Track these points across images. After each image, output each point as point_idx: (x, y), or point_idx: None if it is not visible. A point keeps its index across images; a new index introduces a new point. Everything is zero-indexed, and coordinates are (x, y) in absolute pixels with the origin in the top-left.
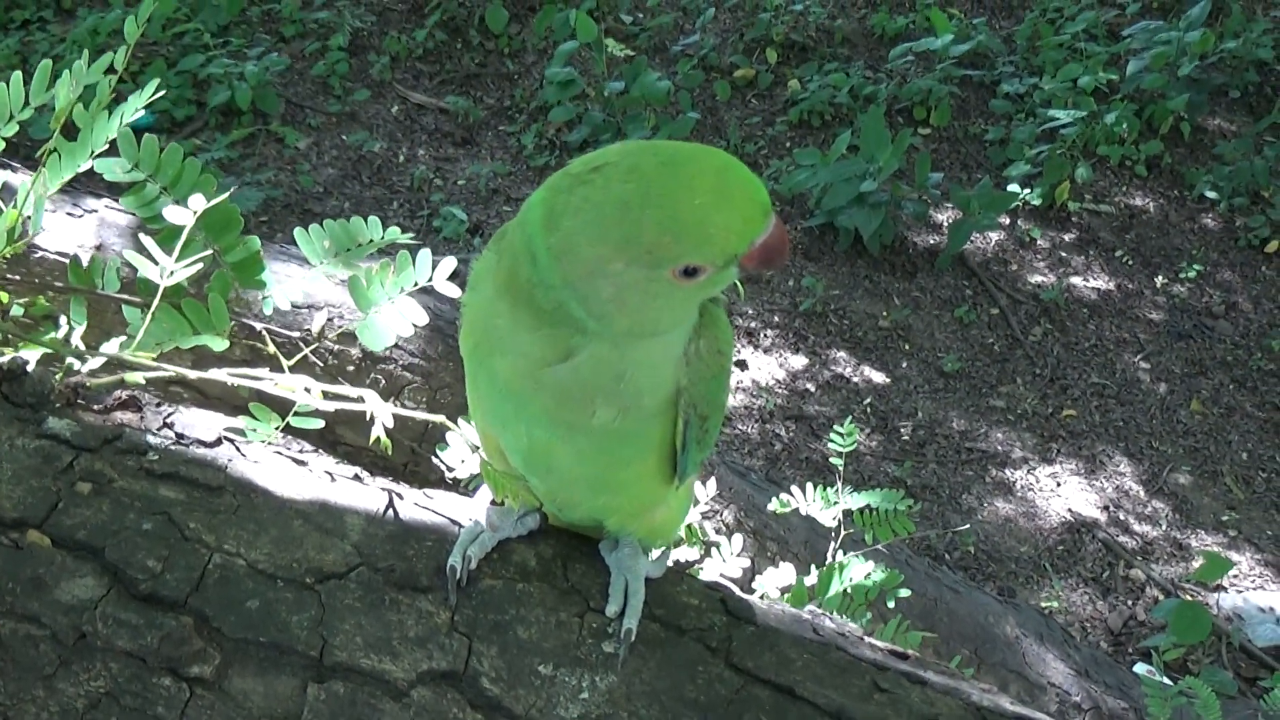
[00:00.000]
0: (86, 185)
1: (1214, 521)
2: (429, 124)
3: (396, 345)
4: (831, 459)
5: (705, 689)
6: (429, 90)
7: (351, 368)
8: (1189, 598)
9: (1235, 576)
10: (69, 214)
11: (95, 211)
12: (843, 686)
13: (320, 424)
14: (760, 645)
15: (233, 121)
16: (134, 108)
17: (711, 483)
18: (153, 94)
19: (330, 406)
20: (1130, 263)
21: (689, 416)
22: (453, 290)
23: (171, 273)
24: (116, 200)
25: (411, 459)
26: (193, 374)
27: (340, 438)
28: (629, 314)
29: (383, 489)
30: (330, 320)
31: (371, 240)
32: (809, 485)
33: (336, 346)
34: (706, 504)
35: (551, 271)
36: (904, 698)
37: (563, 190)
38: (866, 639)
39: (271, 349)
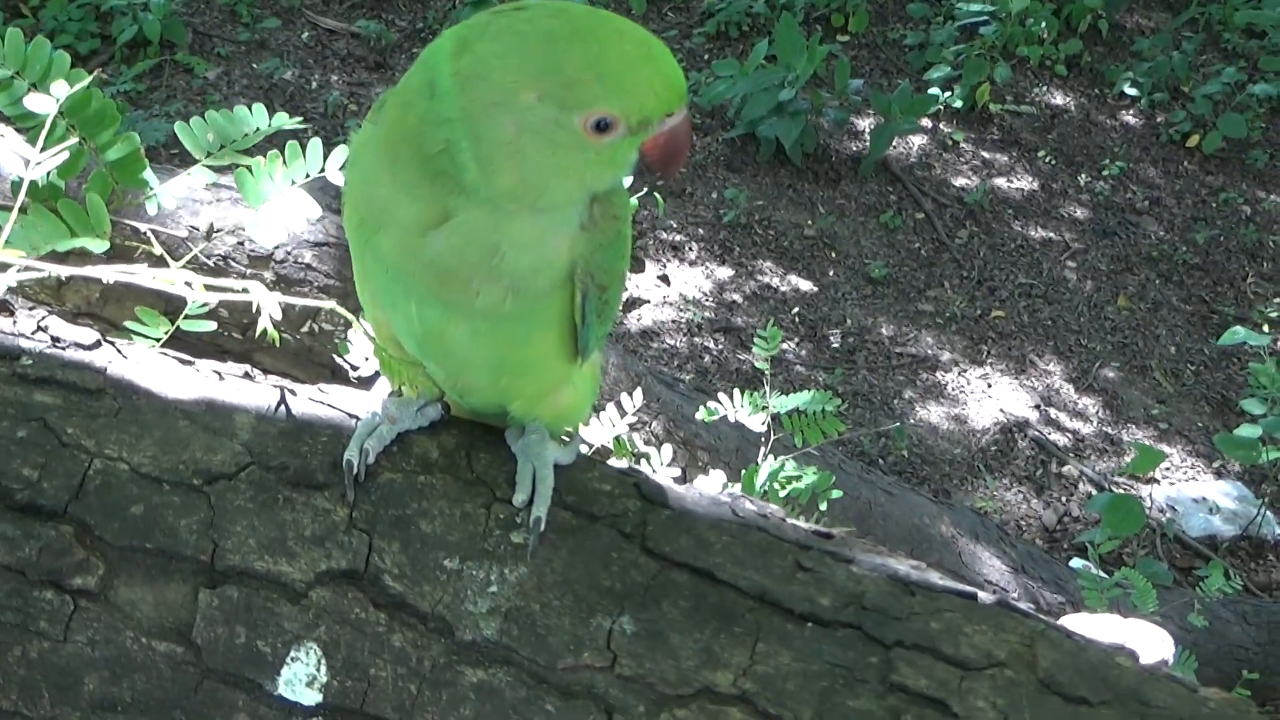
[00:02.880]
0: None
1: (1144, 415)
2: (341, 49)
3: (310, 267)
4: (758, 363)
5: (621, 576)
6: (339, 15)
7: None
8: (1122, 491)
9: (1167, 469)
10: None
11: None
12: (764, 567)
13: (212, 326)
14: (677, 529)
15: (139, 53)
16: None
17: (638, 393)
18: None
19: (214, 298)
20: (1053, 162)
21: (586, 288)
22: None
23: (38, 164)
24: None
25: (332, 380)
26: (65, 271)
27: (259, 363)
28: (519, 166)
29: (274, 385)
30: (230, 232)
31: (257, 129)
32: (736, 392)
33: (248, 270)
34: (635, 415)
35: (451, 101)
36: (829, 576)
37: (480, 20)
38: (789, 520)
39: (158, 250)
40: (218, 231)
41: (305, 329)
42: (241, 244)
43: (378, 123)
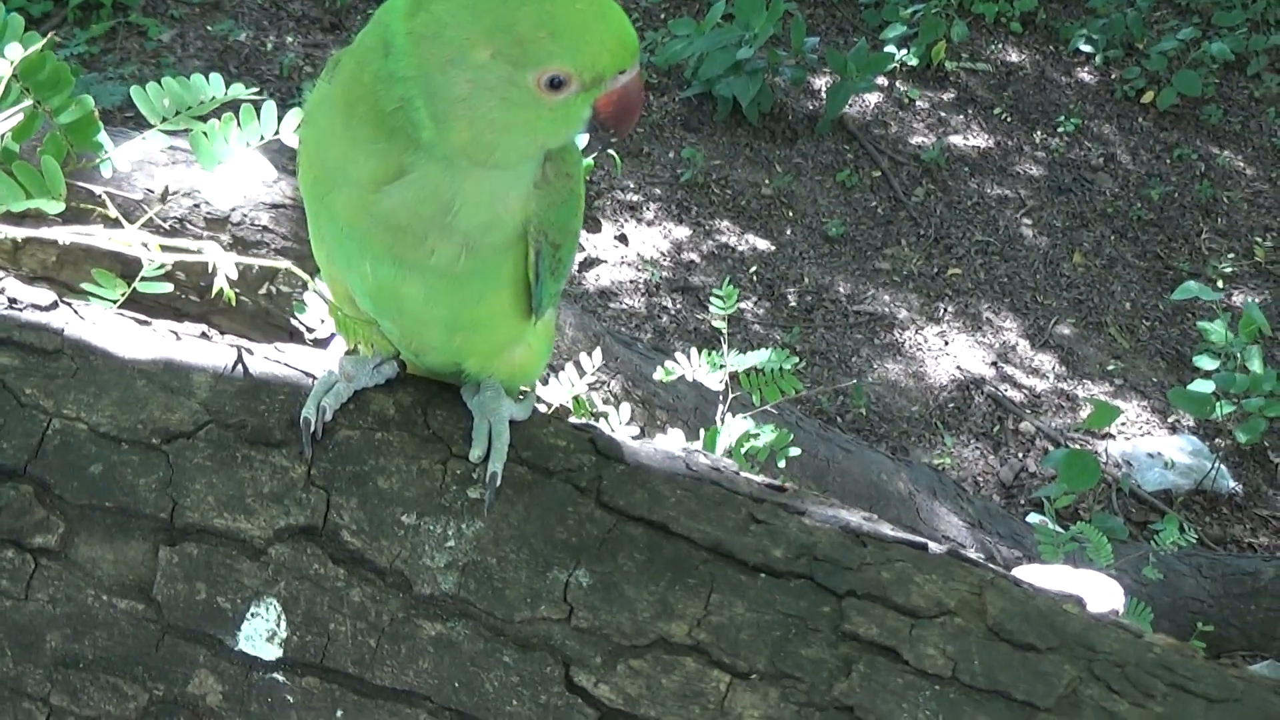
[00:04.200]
0: None
1: (1100, 371)
2: (296, 10)
3: (267, 229)
4: (715, 323)
5: (576, 530)
6: None
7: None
8: (1078, 447)
9: (1123, 424)
10: None
11: None
12: (718, 520)
13: (168, 287)
14: (631, 483)
15: (92, 16)
16: None
17: (597, 353)
18: None
19: (170, 259)
20: (1009, 120)
21: (540, 246)
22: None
23: None
24: None
25: (289, 339)
26: (21, 233)
27: (217, 325)
28: (473, 123)
29: (231, 345)
30: (178, 192)
31: (213, 97)
32: (694, 350)
33: (205, 232)
34: (593, 375)
35: (406, 59)
36: (781, 528)
37: None
38: (742, 474)
39: (113, 213)
40: (174, 194)
41: (262, 291)
42: (198, 206)
43: (332, 81)
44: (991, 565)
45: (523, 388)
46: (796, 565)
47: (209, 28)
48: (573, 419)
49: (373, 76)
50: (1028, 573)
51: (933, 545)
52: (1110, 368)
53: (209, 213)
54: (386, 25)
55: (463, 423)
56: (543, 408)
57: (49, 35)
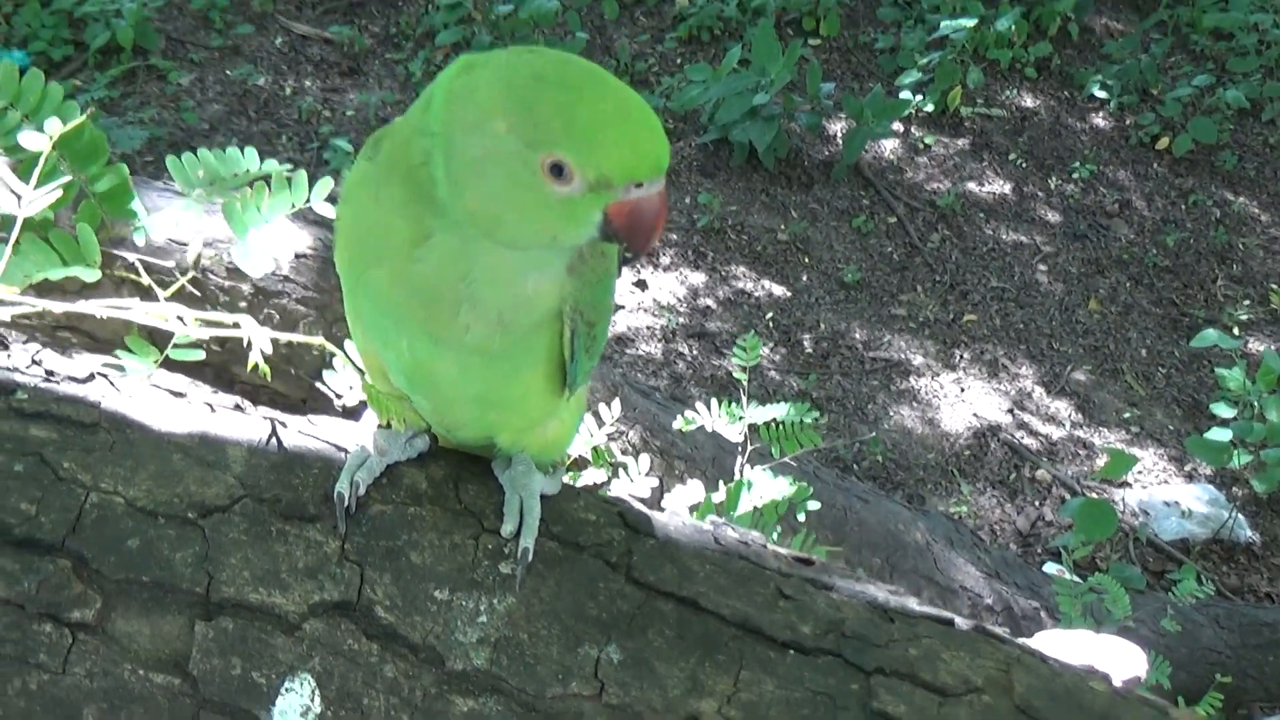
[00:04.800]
0: None
1: (1116, 419)
2: (314, 55)
3: (288, 279)
4: (735, 374)
5: (607, 605)
6: (312, 20)
7: (243, 304)
8: (1095, 496)
9: (1139, 472)
10: None
11: None
12: (747, 596)
13: (200, 355)
14: (661, 558)
15: (111, 60)
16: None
17: (616, 404)
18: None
19: (207, 334)
20: (1024, 165)
21: (575, 324)
22: (331, 211)
23: (30, 201)
24: None
25: (310, 395)
26: (59, 306)
27: (236, 376)
28: (480, 192)
29: (265, 418)
30: (215, 252)
31: (248, 171)
32: (713, 402)
33: (227, 283)
34: (612, 425)
35: (438, 115)
36: (809, 604)
37: (492, 52)
38: (770, 547)
39: (146, 280)
40: (206, 250)
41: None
42: (219, 255)
43: (372, 159)
44: (1017, 640)
45: (553, 460)
46: (825, 642)
47: (228, 72)
48: (593, 469)
49: (411, 130)
50: (1051, 640)
51: (959, 620)
52: (1126, 415)
53: (231, 262)
54: (438, 83)
55: (494, 497)
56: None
57: (88, 111)
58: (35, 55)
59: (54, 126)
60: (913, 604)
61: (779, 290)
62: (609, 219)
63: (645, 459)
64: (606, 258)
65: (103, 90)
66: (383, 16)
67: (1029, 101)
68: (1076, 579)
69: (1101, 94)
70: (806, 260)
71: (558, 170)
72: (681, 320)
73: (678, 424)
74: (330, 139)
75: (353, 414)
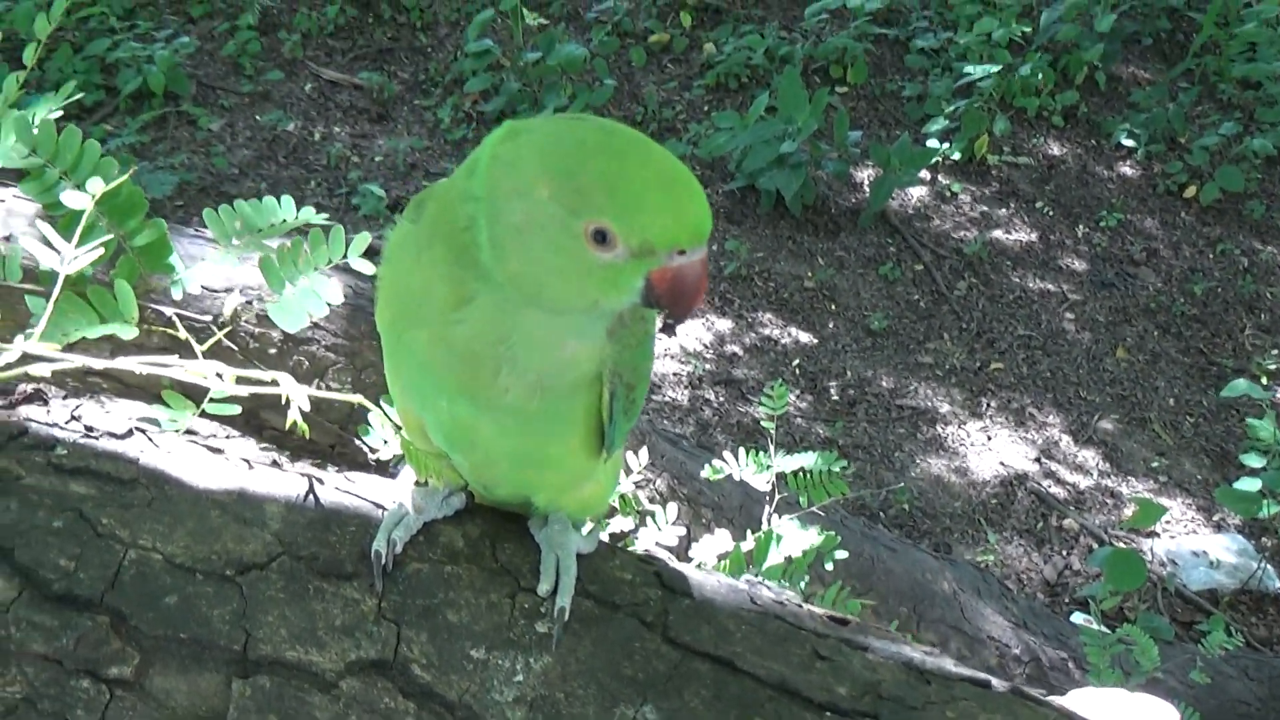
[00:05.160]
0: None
1: (1144, 468)
2: (344, 101)
3: (318, 326)
4: (763, 422)
5: (643, 665)
6: (342, 67)
7: (273, 350)
8: (1123, 545)
9: (1167, 522)
10: None
11: (2, 201)
12: (783, 656)
13: (237, 410)
14: (697, 618)
15: (143, 105)
16: (48, 107)
17: (643, 451)
18: (68, 96)
19: (245, 391)
20: (1051, 213)
21: (615, 387)
22: (368, 267)
23: (72, 259)
24: None
25: (338, 440)
26: (99, 364)
27: (265, 422)
28: (523, 256)
29: (302, 474)
30: (249, 303)
31: (284, 220)
32: (741, 450)
33: (257, 329)
34: (639, 473)
35: (482, 179)
36: (846, 665)
37: (539, 119)
38: (805, 606)
39: (183, 334)
40: (245, 301)
41: (311, 384)
42: (250, 302)
43: (415, 220)
44: (1054, 702)
45: (589, 520)
46: (862, 704)
47: (258, 117)
48: (620, 517)
49: (455, 193)
50: (1085, 699)
51: (996, 682)
52: (1154, 464)
53: (261, 309)
54: (484, 146)
55: (530, 555)
56: None
57: (130, 170)
58: (66, 101)
59: (96, 186)
60: (949, 665)
61: (805, 337)
62: (651, 285)
63: (673, 507)
64: (646, 321)
65: (134, 135)
66: (412, 63)
67: (1056, 150)
68: (1105, 629)
69: (1129, 142)
70: (833, 307)
71: (601, 237)
72: (708, 367)
73: (705, 472)
74: (359, 184)
75: (382, 466)
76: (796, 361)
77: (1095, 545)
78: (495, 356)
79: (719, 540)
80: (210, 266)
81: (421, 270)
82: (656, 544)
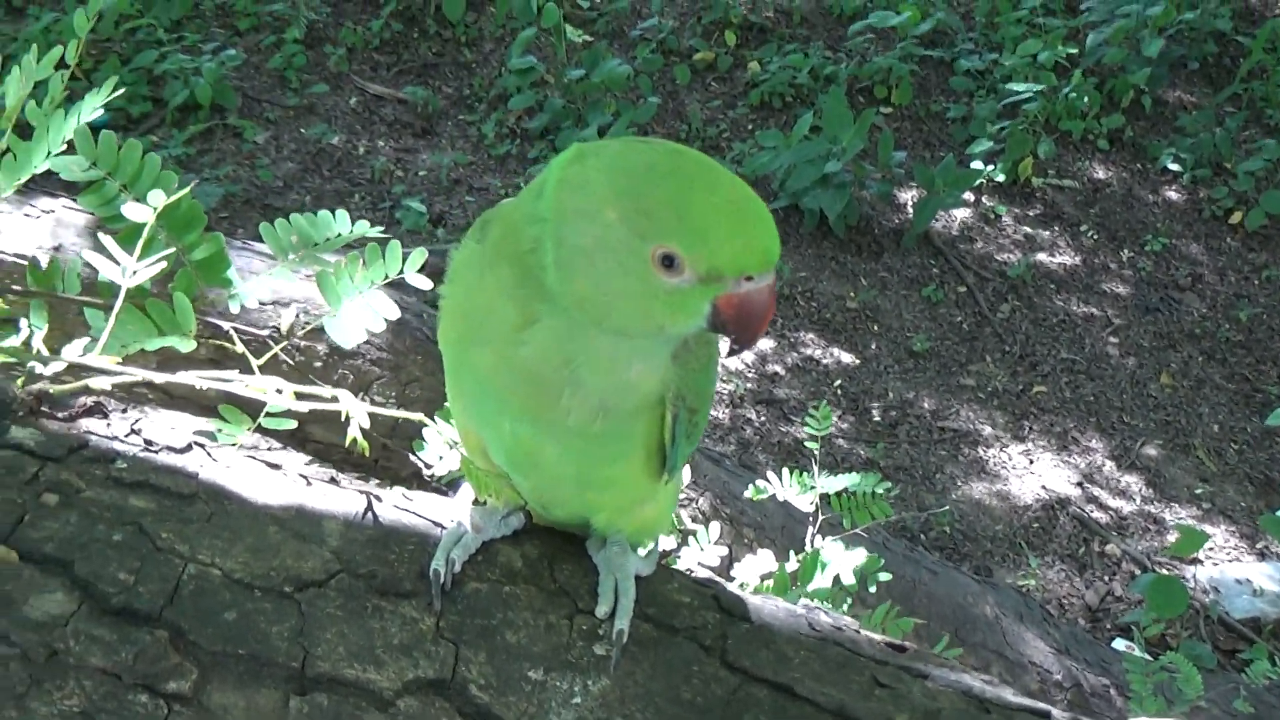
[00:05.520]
0: (42, 185)
1: (1187, 494)
2: (388, 115)
3: (364, 339)
4: (805, 443)
5: (701, 690)
6: (387, 81)
7: (319, 364)
8: (1165, 572)
9: (1210, 549)
10: (25, 215)
11: (52, 212)
12: (842, 683)
13: (293, 425)
14: (756, 642)
15: (189, 117)
16: (92, 106)
17: (686, 470)
18: (110, 93)
19: (303, 407)
20: (1096, 237)
21: (678, 410)
22: (423, 282)
23: (134, 272)
24: (73, 200)
25: (383, 454)
26: (159, 378)
27: (310, 435)
28: (590, 279)
29: (361, 491)
30: (299, 316)
31: (339, 234)
32: (784, 470)
33: (303, 343)
34: (682, 492)
35: (549, 202)
36: (905, 693)
37: (606, 141)
38: (863, 632)
39: (240, 348)
40: (286, 307)
41: (360, 396)
42: (298, 316)
43: (481, 240)
44: None
45: (648, 542)
46: None
47: (303, 130)
48: (666, 542)
49: (523, 215)
50: None
51: (1056, 712)
52: (1198, 491)
53: (308, 320)
54: (551, 168)
55: (588, 577)
56: None
57: (191, 184)
58: (114, 112)
59: (158, 199)
60: (1008, 694)
61: (848, 358)
62: (718, 310)
63: (715, 526)
64: (710, 345)
65: (180, 147)
66: (456, 78)
67: (1101, 173)
68: (1147, 656)
69: (1175, 167)
70: (875, 328)
71: (669, 261)
72: (749, 386)
73: (748, 492)
74: (402, 199)
75: (422, 481)
76: (838, 382)
77: (1137, 571)
78: (559, 379)
79: (762, 560)
80: (267, 280)
81: (485, 290)
82: (699, 563)
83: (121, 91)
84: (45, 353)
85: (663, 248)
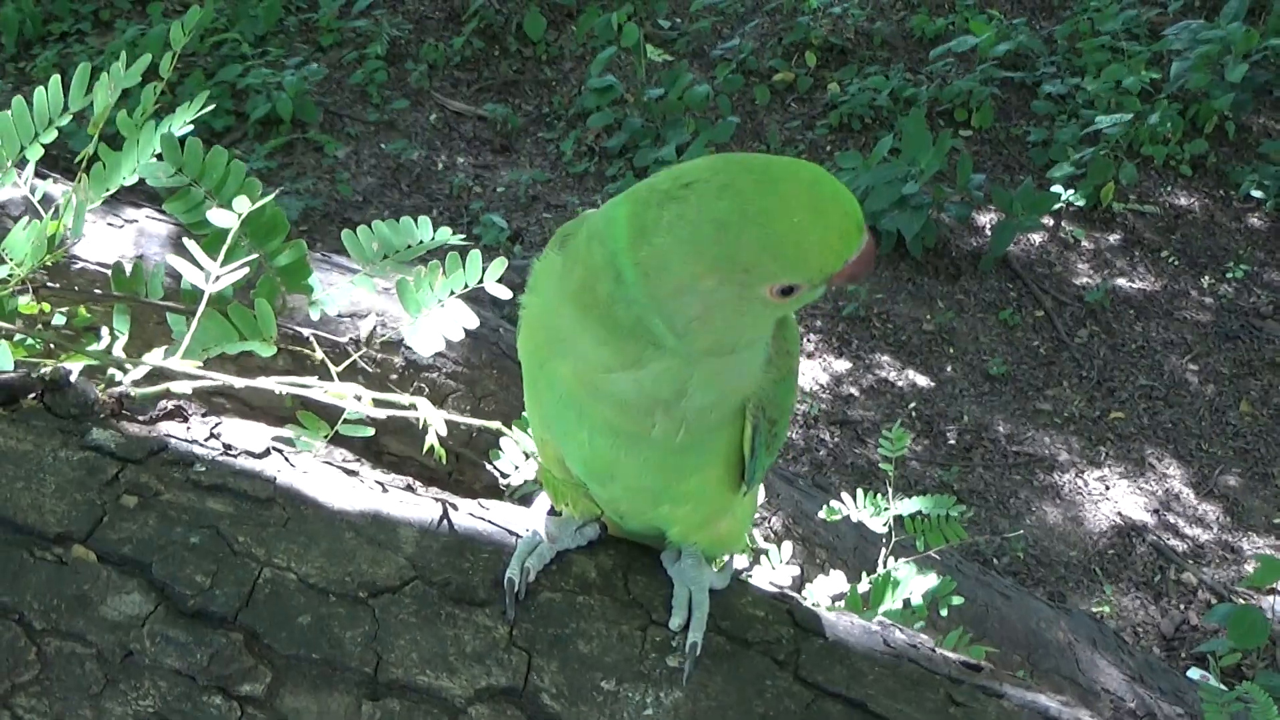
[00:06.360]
0: (125, 195)
1: (1266, 524)
2: (467, 131)
3: (440, 353)
4: (880, 464)
5: (774, 704)
6: (467, 98)
7: (395, 376)
8: (1243, 602)
9: None
10: (109, 224)
11: (135, 222)
12: (917, 701)
13: (370, 432)
14: (830, 658)
15: (271, 131)
16: (183, 119)
17: (761, 490)
18: (201, 107)
19: (381, 414)
20: (1176, 263)
21: (758, 422)
22: (503, 292)
23: (217, 277)
24: (157, 210)
25: (456, 466)
26: (240, 383)
27: (385, 447)
28: (714, 331)
29: (436, 499)
30: (377, 326)
31: (421, 242)
32: (858, 491)
33: (380, 355)
34: (756, 511)
35: (638, 288)
36: (981, 711)
37: (652, 205)
38: (939, 651)
39: (319, 356)
40: (376, 331)
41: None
42: (375, 325)
43: (565, 258)
44: None
45: (723, 556)
46: None
47: (383, 146)
48: (738, 560)
49: (607, 295)
50: None
51: None
52: (1277, 520)
53: (384, 334)
54: (613, 253)
55: (662, 589)
56: None
57: (274, 192)
58: (197, 125)
59: (243, 205)
60: (1085, 716)
61: (923, 380)
62: (831, 281)
63: (787, 546)
64: (790, 355)
65: (261, 161)
66: (535, 96)
67: (1183, 199)
68: (1223, 686)
69: (1258, 194)
70: (951, 351)
71: (787, 291)
72: (823, 407)
73: (822, 513)
74: (481, 215)
75: (496, 494)
76: (913, 404)
77: (1214, 600)
78: (655, 401)
79: (834, 581)
80: (349, 289)
81: (573, 325)
82: (770, 583)
83: (211, 106)
84: (126, 358)
85: (774, 284)
